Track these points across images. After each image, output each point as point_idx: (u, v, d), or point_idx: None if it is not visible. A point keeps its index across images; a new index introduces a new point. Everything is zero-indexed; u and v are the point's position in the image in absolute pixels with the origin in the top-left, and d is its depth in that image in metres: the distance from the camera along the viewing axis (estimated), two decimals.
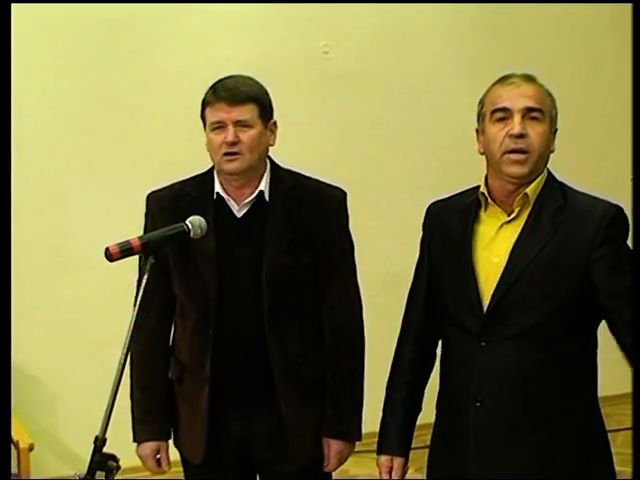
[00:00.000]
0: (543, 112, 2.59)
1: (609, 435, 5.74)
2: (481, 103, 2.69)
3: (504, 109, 2.59)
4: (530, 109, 2.58)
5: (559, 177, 2.74)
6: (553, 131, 2.66)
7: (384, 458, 2.82)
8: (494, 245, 2.65)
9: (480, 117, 2.68)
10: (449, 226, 2.75)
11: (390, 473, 2.80)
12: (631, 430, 5.81)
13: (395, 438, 2.82)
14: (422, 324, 2.82)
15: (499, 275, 2.61)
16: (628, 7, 5.88)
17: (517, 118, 2.57)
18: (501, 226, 2.65)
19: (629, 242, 2.67)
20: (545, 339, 2.57)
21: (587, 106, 5.92)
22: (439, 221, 2.79)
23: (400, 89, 5.44)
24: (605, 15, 5.95)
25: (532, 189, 2.62)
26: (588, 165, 5.95)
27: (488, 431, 2.62)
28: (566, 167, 5.87)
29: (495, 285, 2.61)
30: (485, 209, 2.68)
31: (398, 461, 2.80)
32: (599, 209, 2.60)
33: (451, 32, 5.56)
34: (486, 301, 2.62)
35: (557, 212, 2.61)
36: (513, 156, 2.58)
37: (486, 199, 2.67)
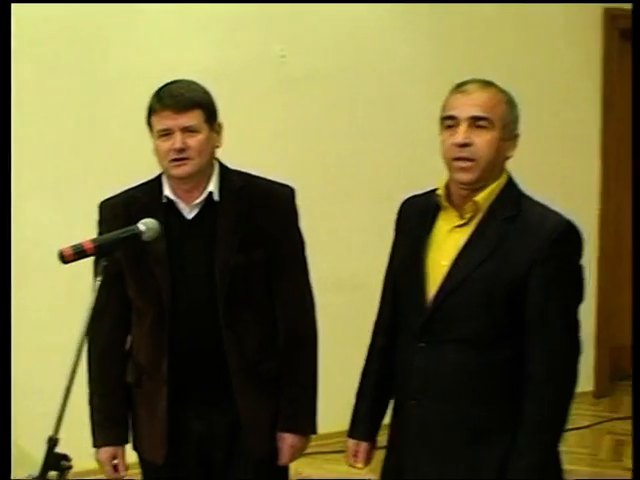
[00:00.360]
0: (491, 120, 2.57)
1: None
2: (441, 109, 2.70)
3: (452, 117, 2.60)
4: (476, 118, 2.57)
5: (522, 182, 2.74)
6: (510, 137, 2.64)
7: (351, 442, 2.91)
8: (444, 248, 2.66)
9: (439, 123, 2.70)
10: (412, 223, 2.77)
11: (357, 456, 2.91)
12: (583, 429, 5.94)
13: (362, 424, 2.90)
14: (391, 315, 2.84)
15: (443, 279, 2.63)
16: (586, 7, 5.96)
17: (462, 127, 2.57)
18: (452, 229, 2.66)
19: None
20: (482, 345, 2.58)
21: (548, 106, 5.96)
22: (406, 217, 2.82)
23: (357, 92, 5.43)
24: (565, 16, 5.97)
25: (483, 196, 2.62)
26: (548, 167, 5.98)
27: (423, 430, 2.66)
28: (527, 169, 5.95)
29: (437, 290, 2.63)
30: (444, 211, 2.70)
31: (363, 445, 2.89)
32: (549, 223, 2.58)
33: (411, 34, 5.54)
34: (429, 304, 2.64)
35: (507, 222, 2.59)
36: (459, 163, 2.59)
37: (443, 201, 2.69)
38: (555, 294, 2.54)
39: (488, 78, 2.72)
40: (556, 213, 2.62)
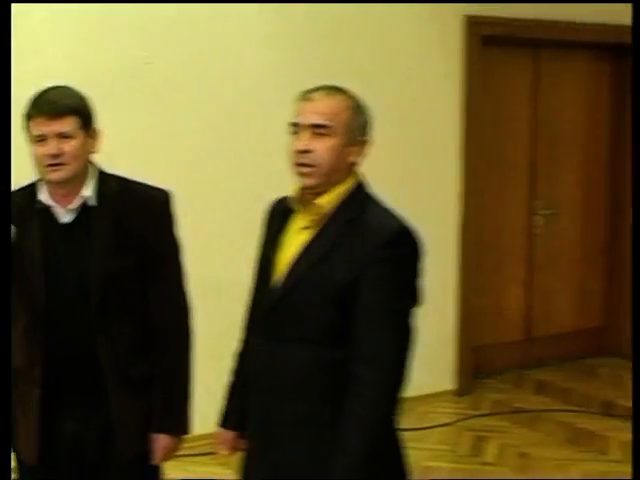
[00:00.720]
0: (332, 128, 2.69)
1: (423, 432, 6.06)
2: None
3: (296, 124, 2.75)
4: (317, 125, 2.70)
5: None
6: (354, 143, 2.75)
7: (220, 431, 3.07)
8: (290, 248, 2.80)
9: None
10: (274, 223, 2.91)
11: (224, 444, 3.06)
12: (445, 427, 6.16)
13: (230, 415, 3.05)
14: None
15: (282, 280, 2.78)
16: (448, 13, 6.15)
17: (303, 134, 2.72)
18: (300, 231, 2.80)
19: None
20: (317, 345, 2.70)
21: (408, 111, 6.16)
22: (272, 217, 2.95)
23: (223, 97, 5.50)
24: (426, 21, 6.16)
25: (326, 200, 2.75)
26: (408, 172, 6.18)
27: (263, 428, 2.81)
28: (387, 173, 6.09)
29: (277, 290, 2.78)
30: (297, 213, 2.83)
31: (230, 434, 3.04)
32: (385, 227, 2.68)
33: (275, 40, 5.64)
34: (270, 302, 2.79)
35: (347, 225, 2.71)
36: (300, 169, 2.73)
37: (296, 203, 2.82)
38: (382, 296, 2.64)
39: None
40: (396, 218, 2.73)
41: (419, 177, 6.26)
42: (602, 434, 5.88)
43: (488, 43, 6.40)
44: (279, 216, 2.88)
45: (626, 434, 5.78)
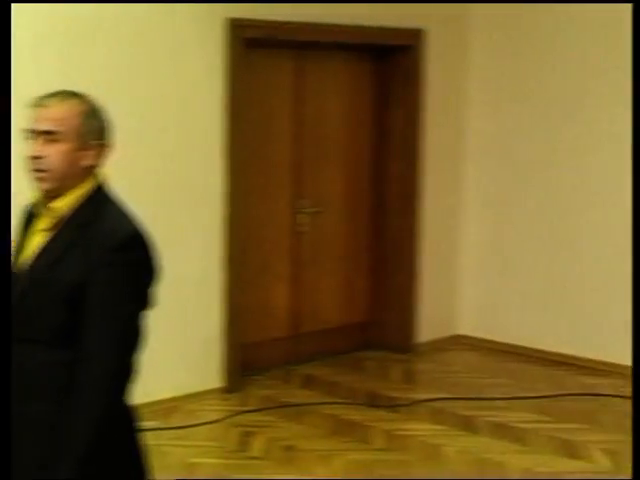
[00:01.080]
0: (63, 133, 2.84)
1: (190, 430, 6.27)
2: None
3: (31, 131, 2.92)
4: (48, 132, 2.85)
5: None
6: (87, 147, 2.88)
7: None
8: (29, 251, 2.96)
9: None
10: (23, 227, 3.05)
11: None
12: (213, 423, 6.38)
13: None
14: None
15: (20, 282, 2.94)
16: (211, 15, 6.35)
17: (37, 140, 2.90)
18: (40, 234, 2.96)
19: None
20: (51, 346, 2.84)
21: (171, 112, 6.33)
22: (22, 221, 3.08)
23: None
24: (189, 24, 6.34)
25: (62, 203, 2.89)
26: (173, 173, 6.35)
27: (17, 432, 2.90)
28: (152, 174, 6.27)
29: (17, 291, 2.93)
30: (40, 216, 2.99)
31: None
32: (117, 231, 2.84)
33: (35, 42, 5.65)
34: (13, 304, 2.93)
35: (80, 229, 2.86)
36: (34, 174, 2.91)
37: (38, 207, 2.98)
38: (109, 299, 2.80)
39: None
40: (129, 222, 2.90)
41: (183, 178, 6.42)
42: (366, 424, 6.19)
43: (251, 45, 6.61)
44: (27, 219, 3.03)
45: (389, 424, 6.22)
